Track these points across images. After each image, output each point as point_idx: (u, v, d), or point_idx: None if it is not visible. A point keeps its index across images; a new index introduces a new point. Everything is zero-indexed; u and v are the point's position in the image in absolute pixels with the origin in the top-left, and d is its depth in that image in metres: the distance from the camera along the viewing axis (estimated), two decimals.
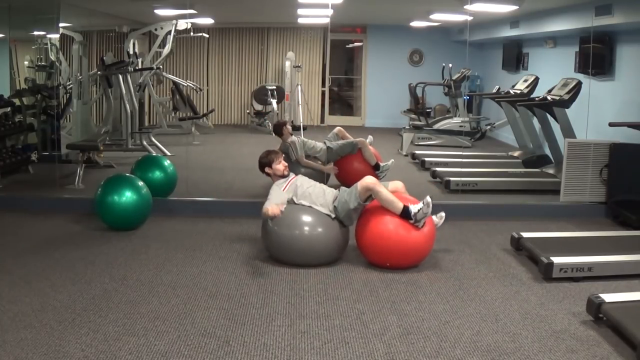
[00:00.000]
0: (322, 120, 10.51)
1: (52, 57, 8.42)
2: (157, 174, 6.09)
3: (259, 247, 4.98)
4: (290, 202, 4.59)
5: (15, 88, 8.23)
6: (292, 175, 4.84)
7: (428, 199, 4.35)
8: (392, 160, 7.02)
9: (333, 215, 4.54)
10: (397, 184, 4.75)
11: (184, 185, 6.39)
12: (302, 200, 4.57)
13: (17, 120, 7.82)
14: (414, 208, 4.34)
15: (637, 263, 4.40)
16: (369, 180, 4.45)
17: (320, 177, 6.38)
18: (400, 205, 4.34)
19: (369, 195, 4.42)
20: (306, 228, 4.47)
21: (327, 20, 8.78)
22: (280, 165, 4.78)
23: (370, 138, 7.05)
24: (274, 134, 7.06)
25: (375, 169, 6.76)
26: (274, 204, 4.35)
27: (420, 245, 4.43)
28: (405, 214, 4.33)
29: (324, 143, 6.92)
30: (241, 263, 4.60)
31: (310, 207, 4.53)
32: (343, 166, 6.86)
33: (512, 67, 9.45)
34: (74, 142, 7.69)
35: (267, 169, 4.84)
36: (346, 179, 6.84)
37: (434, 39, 10.25)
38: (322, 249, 4.50)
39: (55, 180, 6.84)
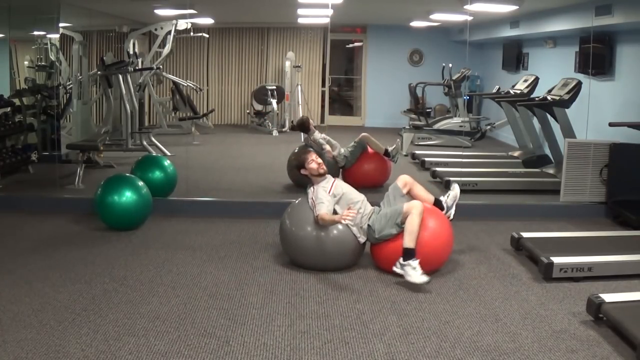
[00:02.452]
0: (322, 120, 10.50)
1: (52, 57, 8.42)
2: (157, 174, 6.09)
3: (259, 247, 4.99)
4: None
5: (15, 88, 8.22)
6: (330, 177, 4.65)
7: (424, 280, 4.09)
8: (398, 140, 7.22)
9: (363, 239, 4.43)
10: (406, 179, 4.68)
11: (184, 185, 6.39)
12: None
13: (17, 120, 7.81)
14: (414, 264, 4.09)
15: (637, 263, 4.40)
16: (415, 204, 4.29)
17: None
18: (412, 245, 4.13)
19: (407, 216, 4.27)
20: (323, 233, 4.32)
21: (327, 20, 8.78)
22: (314, 164, 4.56)
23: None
24: (299, 130, 7.22)
25: (386, 156, 6.95)
26: (326, 211, 4.25)
27: (440, 250, 4.40)
28: (407, 253, 4.13)
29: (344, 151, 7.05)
30: (241, 263, 4.60)
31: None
32: (353, 169, 6.97)
33: (512, 67, 9.44)
34: (74, 142, 7.69)
35: (302, 171, 4.65)
36: (356, 180, 6.92)
37: (434, 39, 10.25)
38: (340, 254, 4.38)
39: (55, 180, 6.84)
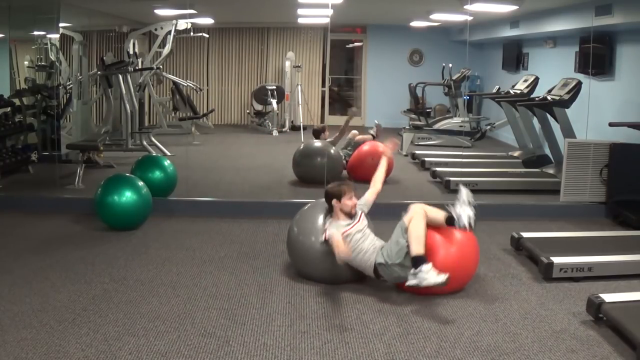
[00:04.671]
0: (322, 120, 10.50)
1: (52, 57, 8.42)
2: (157, 174, 6.09)
3: (259, 247, 4.99)
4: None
5: (15, 88, 8.24)
6: (357, 215, 4.17)
7: (442, 279, 3.68)
8: (376, 122, 7.86)
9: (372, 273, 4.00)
10: (413, 213, 3.95)
11: (184, 185, 6.39)
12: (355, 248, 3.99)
13: (17, 120, 7.82)
14: (426, 269, 3.70)
15: (637, 263, 4.40)
16: (416, 208, 3.92)
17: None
18: (420, 251, 3.76)
19: None
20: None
21: (327, 20, 8.78)
22: (350, 202, 4.12)
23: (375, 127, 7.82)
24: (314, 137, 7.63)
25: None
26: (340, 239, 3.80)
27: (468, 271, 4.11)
28: (416, 261, 3.76)
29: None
30: (241, 263, 4.60)
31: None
32: (355, 163, 7.29)
33: (512, 67, 9.45)
34: (74, 142, 7.69)
35: (334, 202, 4.13)
36: (360, 176, 6.98)
37: (434, 39, 10.25)
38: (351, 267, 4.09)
39: (55, 180, 6.84)
